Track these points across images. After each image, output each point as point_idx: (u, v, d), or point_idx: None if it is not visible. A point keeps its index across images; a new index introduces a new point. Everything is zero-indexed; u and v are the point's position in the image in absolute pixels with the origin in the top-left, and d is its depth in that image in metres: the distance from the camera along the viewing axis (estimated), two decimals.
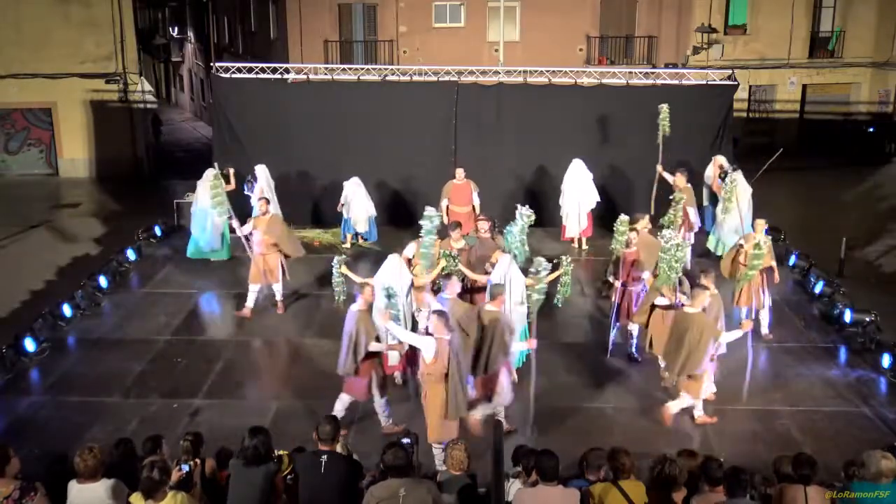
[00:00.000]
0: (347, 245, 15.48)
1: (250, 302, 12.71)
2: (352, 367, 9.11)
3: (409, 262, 11.04)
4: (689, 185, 13.83)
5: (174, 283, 14.20)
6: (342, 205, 15.45)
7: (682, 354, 9.15)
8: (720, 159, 15.19)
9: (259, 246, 12.48)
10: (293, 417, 9.74)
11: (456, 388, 8.20)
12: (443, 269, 10.59)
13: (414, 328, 10.19)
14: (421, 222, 10.94)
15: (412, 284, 10.45)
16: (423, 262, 10.72)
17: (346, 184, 15.40)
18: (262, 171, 15.35)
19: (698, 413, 9.65)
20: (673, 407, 9.55)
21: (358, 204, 15.40)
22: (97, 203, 21.02)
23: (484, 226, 11.94)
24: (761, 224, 11.78)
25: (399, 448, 6.07)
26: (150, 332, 12.31)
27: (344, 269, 10.72)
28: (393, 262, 10.45)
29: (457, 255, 10.74)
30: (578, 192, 14.90)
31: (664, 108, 14.49)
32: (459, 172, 14.60)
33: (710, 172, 15.22)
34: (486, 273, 10.57)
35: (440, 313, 8.35)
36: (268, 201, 12.93)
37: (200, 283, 14.30)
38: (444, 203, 14.51)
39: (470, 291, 11.22)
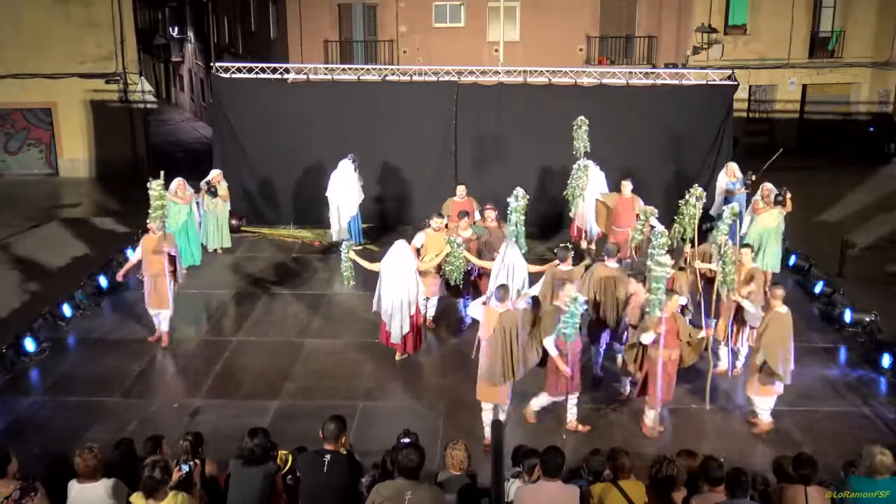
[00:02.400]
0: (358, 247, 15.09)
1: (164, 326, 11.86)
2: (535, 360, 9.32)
3: (417, 251, 11.41)
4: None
5: None
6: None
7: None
8: (732, 166, 14.99)
9: (158, 268, 11.42)
10: (293, 417, 9.74)
11: (501, 357, 8.74)
12: (447, 255, 10.90)
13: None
14: (509, 199, 11.54)
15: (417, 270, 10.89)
16: (511, 230, 11.40)
17: (332, 177, 15.19)
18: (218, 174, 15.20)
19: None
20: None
21: (335, 212, 15.24)
22: (97, 203, 21.01)
23: (491, 214, 12.35)
24: (747, 254, 10.63)
25: (414, 450, 6.05)
26: (150, 332, 12.30)
27: (352, 255, 11.14)
28: (399, 248, 10.77)
29: (461, 242, 11.09)
30: (594, 194, 14.43)
31: (581, 120, 14.15)
32: (461, 190, 13.63)
33: (722, 181, 14.94)
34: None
35: (502, 287, 9.01)
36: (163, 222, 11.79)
37: (201, 282, 14.30)
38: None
39: (478, 277, 11.84)
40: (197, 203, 14.69)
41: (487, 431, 9.11)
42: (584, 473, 6.77)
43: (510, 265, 10.74)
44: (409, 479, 5.93)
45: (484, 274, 11.61)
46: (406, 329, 10.80)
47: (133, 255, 11.99)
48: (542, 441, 7.59)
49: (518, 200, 11.99)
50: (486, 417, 9.19)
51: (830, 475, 7.30)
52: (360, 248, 14.83)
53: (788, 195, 13.23)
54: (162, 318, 11.73)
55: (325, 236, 15.97)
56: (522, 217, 12.16)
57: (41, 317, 12.14)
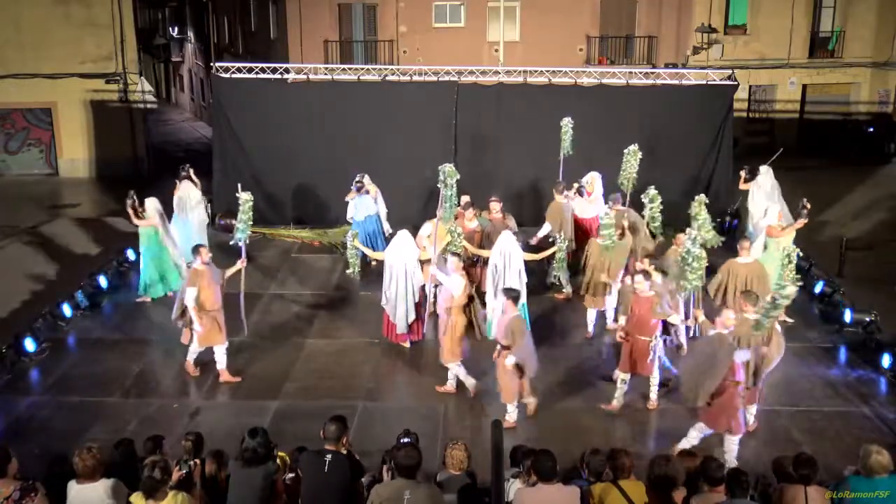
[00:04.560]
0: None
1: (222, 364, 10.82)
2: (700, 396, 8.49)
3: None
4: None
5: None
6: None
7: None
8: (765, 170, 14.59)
9: (217, 301, 10.57)
10: (293, 417, 9.73)
11: (477, 311, 10.10)
12: (447, 243, 11.22)
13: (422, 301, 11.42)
14: (438, 184, 11.39)
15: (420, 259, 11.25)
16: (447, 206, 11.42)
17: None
18: (152, 204, 13.20)
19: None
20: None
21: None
22: (97, 203, 21.00)
23: (496, 206, 12.64)
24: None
25: (412, 449, 6.06)
26: (150, 332, 12.31)
27: (357, 242, 11.41)
28: (403, 237, 11.18)
29: (461, 231, 11.41)
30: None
31: (566, 121, 14.18)
32: (464, 199, 13.31)
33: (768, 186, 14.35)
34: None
35: (458, 255, 10.22)
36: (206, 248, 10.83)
37: None
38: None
39: (472, 266, 12.07)
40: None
41: (451, 383, 10.27)
42: (584, 473, 6.77)
43: (507, 253, 11.08)
44: (407, 478, 5.92)
45: (480, 262, 11.98)
46: (412, 316, 11.18)
47: (189, 298, 10.28)
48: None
49: (450, 177, 11.47)
50: (458, 373, 10.18)
51: (830, 475, 7.29)
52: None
53: (808, 207, 12.52)
54: (220, 353, 10.69)
55: (326, 236, 15.97)
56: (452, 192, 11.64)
57: (41, 317, 12.14)
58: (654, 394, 9.92)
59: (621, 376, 9.87)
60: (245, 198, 11.07)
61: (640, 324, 9.60)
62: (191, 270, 10.50)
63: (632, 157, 13.55)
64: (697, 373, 8.41)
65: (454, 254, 10.33)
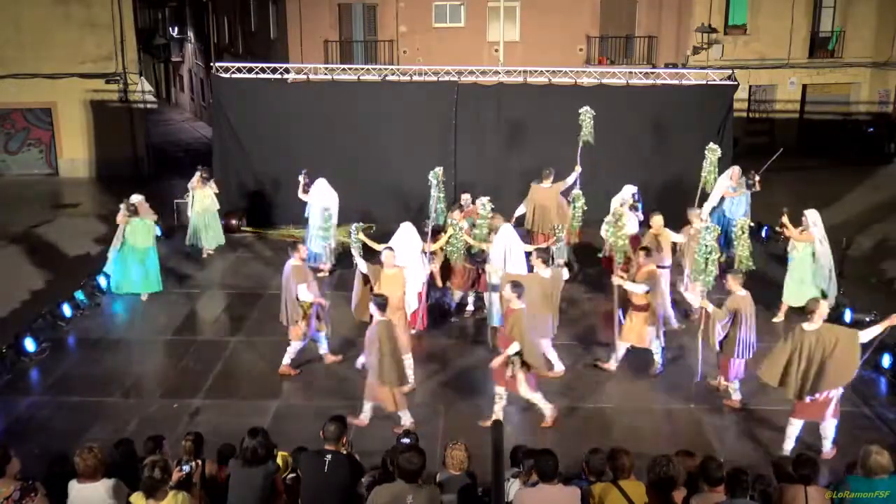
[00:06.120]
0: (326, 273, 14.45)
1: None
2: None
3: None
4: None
5: (174, 282, 14.19)
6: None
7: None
8: (736, 170, 14.71)
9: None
10: (293, 417, 9.74)
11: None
12: (449, 236, 11.47)
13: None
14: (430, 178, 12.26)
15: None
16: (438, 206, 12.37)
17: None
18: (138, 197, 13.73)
19: None
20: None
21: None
22: (97, 203, 20.99)
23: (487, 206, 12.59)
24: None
25: (416, 453, 6.01)
26: (150, 332, 12.32)
27: (361, 236, 11.29)
28: (406, 230, 11.36)
29: (463, 226, 11.67)
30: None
31: (586, 110, 14.07)
32: (465, 198, 13.53)
33: (724, 183, 14.64)
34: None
35: (390, 248, 10.49)
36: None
37: (201, 282, 14.34)
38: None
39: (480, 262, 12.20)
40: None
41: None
42: (584, 473, 6.77)
43: (507, 246, 11.20)
44: (409, 482, 5.91)
45: (480, 265, 12.03)
46: (415, 305, 11.23)
47: (304, 293, 10.49)
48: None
49: (437, 179, 12.80)
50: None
51: (831, 475, 7.29)
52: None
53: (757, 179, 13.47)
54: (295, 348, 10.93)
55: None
56: (442, 194, 13.18)
57: (41, 317, 12.15)
58: (495, 413, 9.32)
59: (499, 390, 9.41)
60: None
61: (502, 336, 9.32)
62: (296, 267, 10.53)
63: (712, 155, 13.49)
64: (807, 367, 8.47)
65: (388, 248, 10.51)
